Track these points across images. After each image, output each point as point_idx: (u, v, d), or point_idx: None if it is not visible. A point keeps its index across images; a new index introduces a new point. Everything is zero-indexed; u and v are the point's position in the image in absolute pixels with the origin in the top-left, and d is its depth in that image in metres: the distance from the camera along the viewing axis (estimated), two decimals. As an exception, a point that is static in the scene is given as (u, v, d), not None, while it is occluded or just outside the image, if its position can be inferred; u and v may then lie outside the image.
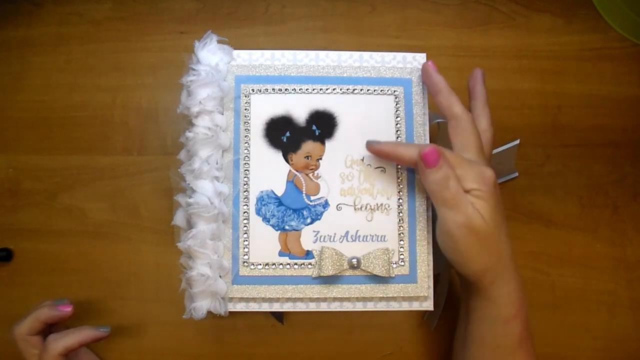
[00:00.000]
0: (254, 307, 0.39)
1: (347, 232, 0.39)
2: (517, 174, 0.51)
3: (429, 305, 0.39)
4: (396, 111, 0.41)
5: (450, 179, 0.34)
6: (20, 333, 0.42)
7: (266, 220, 0.39)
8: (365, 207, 0.40)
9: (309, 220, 0.40)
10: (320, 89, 0.41)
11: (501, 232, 0.36)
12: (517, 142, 0.47)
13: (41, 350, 0.42)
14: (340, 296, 0.39)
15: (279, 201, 0.40)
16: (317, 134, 0.40)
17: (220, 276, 0.38)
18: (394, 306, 0.39)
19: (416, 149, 0.35)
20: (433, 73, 0.39)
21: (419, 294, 0.39)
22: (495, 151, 0.46)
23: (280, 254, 0.39)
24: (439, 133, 0.46)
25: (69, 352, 0.42)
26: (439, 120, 0.45)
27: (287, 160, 0.40)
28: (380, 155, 0.39)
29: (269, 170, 0.40)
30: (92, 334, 0.43)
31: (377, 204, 0.40)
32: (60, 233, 0.52)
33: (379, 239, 0.39)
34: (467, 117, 0.37)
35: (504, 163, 0.50)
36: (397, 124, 0.41)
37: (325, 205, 0.40)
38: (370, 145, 0.39)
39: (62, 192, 0.53)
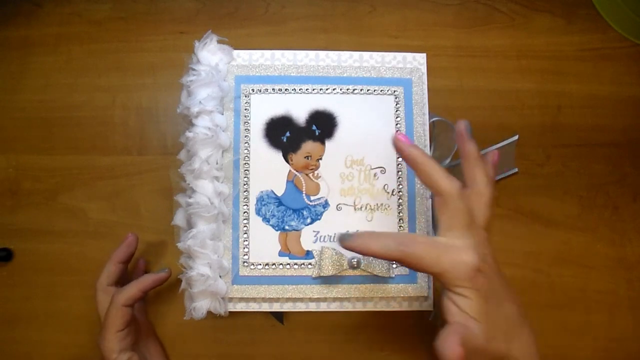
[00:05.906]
0: (254, 307, 0.39)
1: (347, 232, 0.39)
2: (517, 170, 0.51)
3: (428, 306, 0.39)
4: (396, 111, 0.41)
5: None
6: (121, 299, 0.41)
7: (266, 220, 0.39)
8: (365, 207, 0.40)
9: (309, 220, 0.40)
10: (320, 89, 0.41)
11: (501, 315, 0.31)
12: (516, 137, 0.47)
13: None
14: (340, 296, 0.39)
15: (279, 201, 0.40)
16: (317, 134, 0.40)
17: (220, 276, 0.38)
18: (394, 306, 0.39)
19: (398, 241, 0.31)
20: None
21: (419, 294, 0.39)
22: (494, 147, 0.46)
23: (280, 254, 0.39)
24: (435, 132, 0.46)
25: (135, 301, 0.41)
26: (434, 119, 0.44)
27: (287, 160, 0.40)
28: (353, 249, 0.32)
29: (269, 170, 0.40)
30: (152, 279, 0.41)
31: (377, 204, 0.40)
32: (60, 233, 0.52)
33: (379, 239, 0.39)
34: (454, 193, 0.32)
35: (503, 159, 0.50)
36: (397, 124, 0.41)
37: (325, 205, 0.40)
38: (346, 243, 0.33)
39: (62, 192, 0.53)
